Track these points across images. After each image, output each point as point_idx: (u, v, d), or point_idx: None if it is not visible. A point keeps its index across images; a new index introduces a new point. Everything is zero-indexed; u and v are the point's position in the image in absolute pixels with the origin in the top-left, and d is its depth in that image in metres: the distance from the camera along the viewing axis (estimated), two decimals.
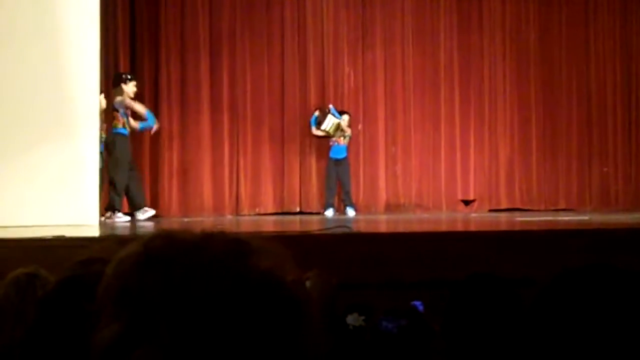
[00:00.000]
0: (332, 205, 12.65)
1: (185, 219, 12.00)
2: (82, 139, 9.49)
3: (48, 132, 9.25)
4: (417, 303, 3.90)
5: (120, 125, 11.11)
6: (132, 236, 7.80)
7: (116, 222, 10.71)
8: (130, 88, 11.34)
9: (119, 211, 11.03)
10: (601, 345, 1.38)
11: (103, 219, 10.67)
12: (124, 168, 11.09)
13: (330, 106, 12.92)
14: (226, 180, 12.89)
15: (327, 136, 12.77)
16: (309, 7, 13.31)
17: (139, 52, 12.60)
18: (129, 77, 11.55)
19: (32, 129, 9.14)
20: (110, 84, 11.47)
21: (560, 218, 11.06)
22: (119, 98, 11.17)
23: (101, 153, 11.00)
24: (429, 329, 3.40)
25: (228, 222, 11.81)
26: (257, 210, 12.91)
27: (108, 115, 11.13)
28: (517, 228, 9.48)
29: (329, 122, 12.68)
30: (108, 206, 11.00)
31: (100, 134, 11.18)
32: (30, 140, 9.15)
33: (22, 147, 9.11)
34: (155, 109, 12.54)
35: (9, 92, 9.06)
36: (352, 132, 12.94)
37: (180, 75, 12.79)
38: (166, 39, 12.74)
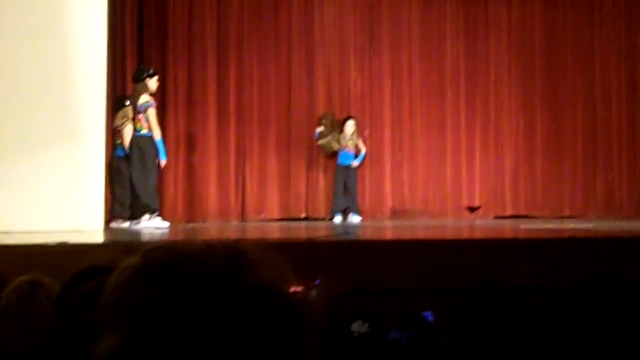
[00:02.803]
0: (340, 212, 12.62)
1: (190, 225, 11.98)
2: (88, 143, 9.45)
3: (54, 136, 9.23)
4: (427, 314, 3.88)
5: (145, 128, 10.44)
6: (135, 243, 7.79)
7: (156, 227, 10.32)
8: (153, 84, 10.67)
9: (157, 213, 10.57)
10: (606, 355, 1.39)
11: (135, 224, 10.45)
12: (154, 171, 10.59)
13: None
14: (232, 186, 12.86)
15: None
16: (317, 12, 13.31)
17: (146, 55, 12.57)
18: (151, 71, 10.77)
19: (37, 133, 9.12)
20: (115, 84, 11.31)
21: (565, 226, 11.03)
22: (145, 98, 10.48)
23: (124, 159, 10.87)
24: (438, 340, 3.38)
25: (234, 228, 11.78)
26: (262, 215, 12.87)
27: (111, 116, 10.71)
28: (522, 236, 9.45)
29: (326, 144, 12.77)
30: (139, 212, 10.49)
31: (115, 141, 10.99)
32: (35, 144, 9.13)
33: (28, 151, 9.09)
34: (161, 113, 12.51)
35: (15, 95, 9.05)
36: (359, 140, 12.94)
37: (187, 79, 12.77)
38: (173, 43, 12.72)
